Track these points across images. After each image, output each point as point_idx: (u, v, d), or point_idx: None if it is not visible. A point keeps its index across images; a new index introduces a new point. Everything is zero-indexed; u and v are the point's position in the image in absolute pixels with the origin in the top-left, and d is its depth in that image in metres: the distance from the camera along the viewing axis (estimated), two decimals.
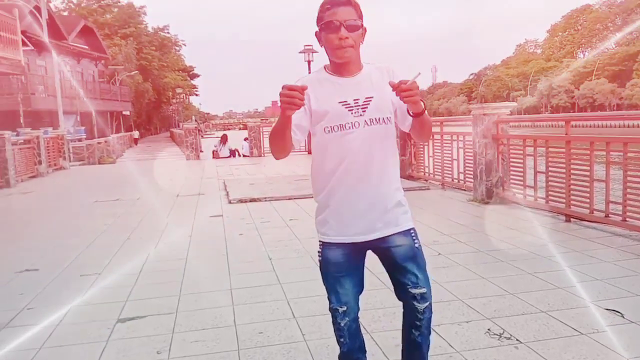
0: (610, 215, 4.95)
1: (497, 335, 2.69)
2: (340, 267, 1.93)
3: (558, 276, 3.63)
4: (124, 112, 44.54)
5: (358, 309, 2.02)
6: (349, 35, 1.81)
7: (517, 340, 2.62)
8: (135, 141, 38.48)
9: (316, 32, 1.88)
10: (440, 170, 8.36)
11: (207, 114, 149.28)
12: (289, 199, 7.84)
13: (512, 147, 6.52)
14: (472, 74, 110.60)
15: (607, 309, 2.98)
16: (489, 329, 2.77)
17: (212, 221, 6.46)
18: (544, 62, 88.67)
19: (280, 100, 1.67)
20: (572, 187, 5.40)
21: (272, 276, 3.98)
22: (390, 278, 1.99)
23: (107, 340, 2.89)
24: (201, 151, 18.78)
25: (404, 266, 1.91)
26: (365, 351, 2.17)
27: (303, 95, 1.68)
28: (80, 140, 22.61)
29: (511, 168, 6.53)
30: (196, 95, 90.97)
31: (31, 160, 13.86)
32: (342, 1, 1.82)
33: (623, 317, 2.87)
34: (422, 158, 9.04)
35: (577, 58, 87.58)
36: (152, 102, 55.02)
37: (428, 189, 8.20)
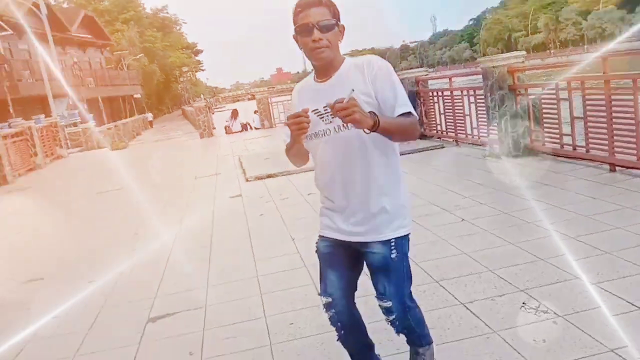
0: None
1: (533, 309, 2.61)
2: (326, 259, 1.98)
3: (601, 238, 3.38)
4: (135, 96, 44.93)
5: (348, 308, 2.00)
6: (322, 36, 1.76)
7: (554, 313, 2.54)
8: (150, 123, 38.59)
9: (294, 36, 1.84)
10: (453, 127, 8.16)
11: (215, 88, 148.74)
12: (305, 171, 7.76)
13: (542, 96, 6.08)
14: (471, 20, 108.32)
15: None
16: (524, 303, 2.69)
17: (232, 202, 6.44)
18: None
19: (290, 130, 1.74)
20: (614, 132, 4.92)
21: (297, 258, 3.94)
22: None
23: (137, 346, 2.89)
24: (214, 128, 18.70)
25: (375, 274, 1.92)
26: (372, 347, 2.14)
27: (308, 117, 1.73)
28: (74, 125, 21.94)
29: (544, 116, 6.09)
30: (202, 70, 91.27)
31: (26, 152, 13.33)
32: (312, 2, 1.77)
33: None
34: (433, 116, 8.83)
35: None
36: (161, 82, 55.52)
37: (442, 147, 8.02)
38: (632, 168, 4.85)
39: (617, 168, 5.01)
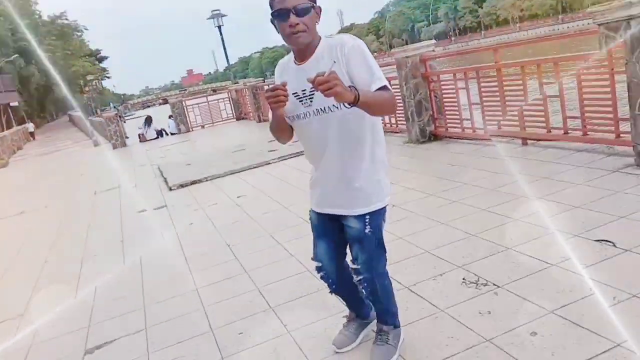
0: (569, 132, 4.82)
1: (473, 283, 2.73)
2: (315, 229, 2.20)
3: (514, 207, 3.67)
4: (11, 104, 39.91)
5: (336, 270, 2.21)
6: (299, 20, 1.80)
7: (494, 284, 2.67)
8: (32, 135, 34.08)
9: (271, 20, 1.87)
10: None
11: (124, 94, 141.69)
12: (232, 173, 7.61)
13: (443, 83, 6.53)
14: (376, 12, 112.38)
15: (597, 240, 2.86)
16: (464, 278, 2.80)
17: (157, 214, 6.14)
18: None
19: (268, 102, 1.78)
20: (525, 111, 5.23)
21: (236, 265, 3.83)
22: None
23: None
24: (127, 137, 17.73)
25: (351, 245, 2.11)
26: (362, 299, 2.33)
27: (286, 91, 1.76)
28: None
29: (445, 103, 6.54)
30: (108, 77, 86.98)
31: None
32: None
33: (615, 246, 2.76)
34: None
35: None
36: (41, 86, 50.08)
37: None
38: (541, 140, 5.19)
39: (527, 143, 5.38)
